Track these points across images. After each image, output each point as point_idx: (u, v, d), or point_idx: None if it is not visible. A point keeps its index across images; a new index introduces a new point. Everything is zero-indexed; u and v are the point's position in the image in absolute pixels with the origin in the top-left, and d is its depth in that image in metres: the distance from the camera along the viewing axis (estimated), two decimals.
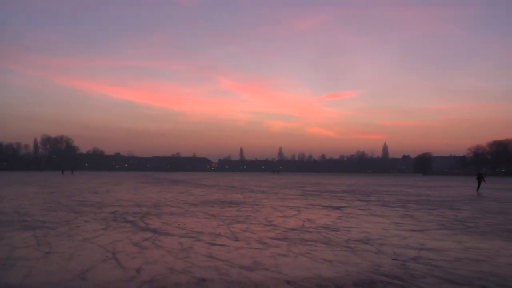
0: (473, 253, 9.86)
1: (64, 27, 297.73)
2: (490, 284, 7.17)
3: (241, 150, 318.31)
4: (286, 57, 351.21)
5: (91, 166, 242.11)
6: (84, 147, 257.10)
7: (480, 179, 39.92)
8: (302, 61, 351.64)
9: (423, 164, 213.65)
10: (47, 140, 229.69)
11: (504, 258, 9.32)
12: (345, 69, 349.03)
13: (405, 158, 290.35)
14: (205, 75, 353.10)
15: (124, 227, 13.71)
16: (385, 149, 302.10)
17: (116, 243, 10.79)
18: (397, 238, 11.92)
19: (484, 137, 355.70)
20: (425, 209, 21.00)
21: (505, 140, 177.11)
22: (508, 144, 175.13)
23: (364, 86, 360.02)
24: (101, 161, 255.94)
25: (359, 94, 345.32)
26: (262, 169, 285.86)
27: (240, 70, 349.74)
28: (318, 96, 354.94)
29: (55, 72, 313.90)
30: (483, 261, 8.93)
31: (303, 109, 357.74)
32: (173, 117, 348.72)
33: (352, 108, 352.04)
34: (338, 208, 21.00)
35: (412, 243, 11.03)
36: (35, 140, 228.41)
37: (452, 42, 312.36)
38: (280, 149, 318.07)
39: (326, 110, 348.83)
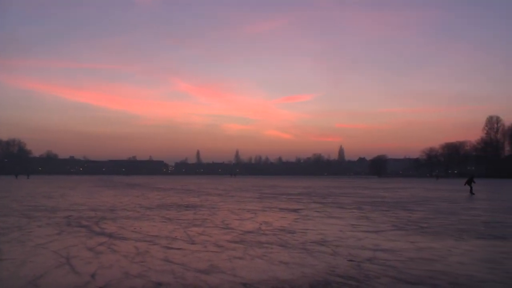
0: (425, 253, 10.04)
1: (16, 27, 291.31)
2: (441, 283, 7.32)
3: (198, 153, 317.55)
4: (243, 60, 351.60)
5: (45, 170, 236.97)
6: (37, 151, 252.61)
7: (471, 181, 38.73)
8: (258, 64, 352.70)
9: (378, 167, 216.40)
10: None
11: (455, 257, 9.52)
12: (301, 72, 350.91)
13: (361, 160, 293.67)
14: (162, 78, 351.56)
15: (78, 232, 13.51)
16: (341, 151, 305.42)
17: (70, 248, 10.61)
18: (352, 239, 12.06)
19: (436, 139, 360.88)
20: (380, 210, 21.30)
21: (457, 142, 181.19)
22: (460, 146, 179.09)
23: (319, 89, 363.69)
24: (54, 165, 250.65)
25: (315, 97, 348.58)
26: (219, 172, 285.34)
27: (197, 73, 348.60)
28: (275, 99, 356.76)
29: (6, 74, 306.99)
30: (435, 261, 9.11)
31: (260, 112, 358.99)
32: (129, 120, 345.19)
33: (309, 111, 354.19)
34: (294, 210, 21.12)
35: (367, 244, 11.17)
36: None
37: (406, 46, 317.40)
38: (237, 152, 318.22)
39: (283, 113, 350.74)
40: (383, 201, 28.04)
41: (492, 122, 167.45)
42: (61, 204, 24.43)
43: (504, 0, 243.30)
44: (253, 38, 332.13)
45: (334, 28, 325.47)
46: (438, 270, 8.21)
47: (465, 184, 39.38)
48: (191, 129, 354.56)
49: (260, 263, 8.91)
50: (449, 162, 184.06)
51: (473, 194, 36.58)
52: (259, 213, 19.45)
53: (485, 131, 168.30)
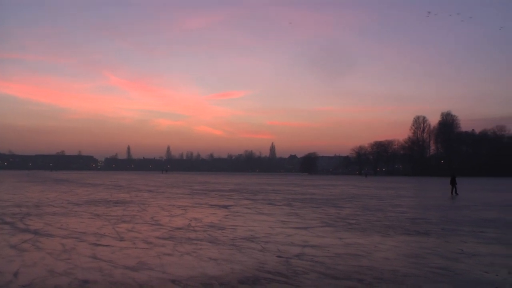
0: (353, 248, 10.24)
1: None
2: (367, 278, 7.48)
3: (129, 148, 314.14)
4: (176, 55, 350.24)
5: None
6: None
7: (454, 180, 35.20)
8: (192, 59, 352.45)
9: (309, 164, 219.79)
10: None
11: (381, 253, 9.75)
12: (235, 69, 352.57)
13: (292, 157, 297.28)
14: (92, 71, 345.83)
15: (1, 229, 13.08)
16: (272, 148, 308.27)
17: None
18: (282, 235, 12.16)
19: (366, 138, 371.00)
20: (310, 207, 21.58)
21: (385, 141, 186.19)
22: (388, 144, 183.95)
23: (253, 86, 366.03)
24: None
25: (249, 94, 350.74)
26: (150, 168, 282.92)
27: (129, 67, 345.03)
28: (208, 95, 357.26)
29: None
30: (362, 256, 9.30)
31: (192, 108, 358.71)
32: (57, 113, 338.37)
33: (241, 108, 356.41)
34: (225, 206, 21.15)
35: (296, 241, 11.29)
36: None
37: (340, 46, 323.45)
38: (168, 147, 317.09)
39: (215, 109, 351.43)
40: (313, 198, 28.43)
41: (419, 122, 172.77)
42: None
43: (430, 3, 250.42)
44: (188, 33, 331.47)
45: (270, 26, 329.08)
46: (364, 266, 8.38)
47: (450, 184, 35.40)
48: (122, 124, 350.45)
49: (189, 259, 8.86)
50: (377, 160, 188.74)
51: (457, 194, 33.73)
52: (190, 210, 19.37)
53: (412, 131, 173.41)
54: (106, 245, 10.37)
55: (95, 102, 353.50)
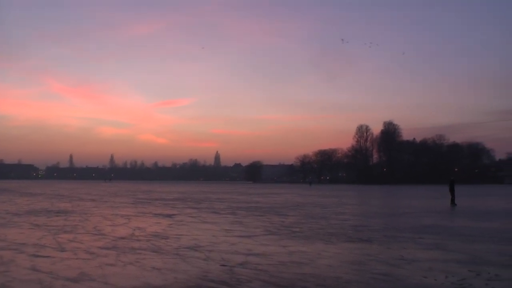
0: (296, 256, 10.31)
1: None
2: (310, 285, 7.54)
3: (71, 157, 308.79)
4: (120, 62, 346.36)
5: None
6: None
7: (453, 187, 31.34)
8: (136, 67, 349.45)
9: (254, 172, 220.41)
10: None
11: (324, 260, 9.85)
12: (180, 77, 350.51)
13: (237, 166, 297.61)
14: (33, 77, 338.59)
15: None
16: (217, 157, 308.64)
17: None
18: (226, 244, 12.16)
19: (310, 146, 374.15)
20: (254, 215, 21.64)
21: (329, 149, 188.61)
22: (332, 153, 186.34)
23: (198, 94, 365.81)
24: None
25: (193, 102, 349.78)
26: (93, 177, 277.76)
27: (71, 73, 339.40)
28: (152, 103, 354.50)
29: None
30: (305, 264, 9.37)
31: (136, 116, 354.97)
32: None
33: (186, 116, 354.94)
34: (169, 216, 21.00)
35: (240, 249, 11.30)
36: None
37: (285, 54, 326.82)
38: (112, 156, 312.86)
39: (160, 117, 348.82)
40: (257, 207, 28.52)
41: (362, 131, 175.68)
42: None
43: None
44: (131, 40, 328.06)
45: (214, 34, 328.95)
46: (307, 273, 8.45)
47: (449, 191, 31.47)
48: (64, 131, 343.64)
49: (132, 269, 8.76)
50: (321, 169, 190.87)
51: (455, 205, 30.11)
52: (133, 219, 19.15)
53: (355, 139, 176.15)
54: (46, 256, 10.13)
55: (36, 109, 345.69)
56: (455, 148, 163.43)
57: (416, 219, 20.61)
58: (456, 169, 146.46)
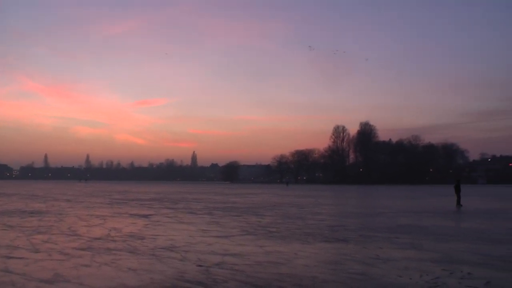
0: (273, 256, 10.30)
1: None
2: (286, 285, 7.53)
3: (46, 156, 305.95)
4: (96, 61, 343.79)
5: None
6: None
7: (458, 188, 31.27)
8: (113, 66, 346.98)
9: (231, 172, 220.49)
10: None
11: (301, 260, 9.86)
12: (157, 77, 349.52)
13: (214, 166, 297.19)
14: (7, 76, 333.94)
15: None
16: (194, 157, 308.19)
17: None
18: (202, 244, 12.11)
19: (287, 146, 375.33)
20: (231, 216, 21.60)
21: (306, 150, 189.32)
22: (309, 153, 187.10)
23: (175, 94, 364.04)
24: None
25: (170, 102, 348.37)
26: (68, 177, 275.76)
27: (46, 72, 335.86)
28: (129, 103, 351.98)
29: None
30: (282, 264, 9.37)
31: (113, 116, 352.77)
32: None
33: (163, 116, 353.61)
34: (145, 216, 20.87)
35: (217, 249, 11.26)
36: None
37: (263, 55, 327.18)
38: (88, 156, 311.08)
39: (137, 117, 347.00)
40: (234, 207, 28.49)
41: (339, 132, 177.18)
42: None
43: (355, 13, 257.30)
44: (108, 38, 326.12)
45: (192, 33, 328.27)
46: (284, 273, 8.44)
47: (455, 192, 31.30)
48: (39, 131, 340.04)
49: (108, 270, 8.67)
50: (298, 169, 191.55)
51: (461, 205, 30.00)
52: (109, 219, 19.00)
53: (332, 140, 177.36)
54: (20, 258, 9.99)
55: (10, 108, 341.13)
56: (430, 148, 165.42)
57: (391, 218, 20.75)
58: (431, 169, 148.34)
